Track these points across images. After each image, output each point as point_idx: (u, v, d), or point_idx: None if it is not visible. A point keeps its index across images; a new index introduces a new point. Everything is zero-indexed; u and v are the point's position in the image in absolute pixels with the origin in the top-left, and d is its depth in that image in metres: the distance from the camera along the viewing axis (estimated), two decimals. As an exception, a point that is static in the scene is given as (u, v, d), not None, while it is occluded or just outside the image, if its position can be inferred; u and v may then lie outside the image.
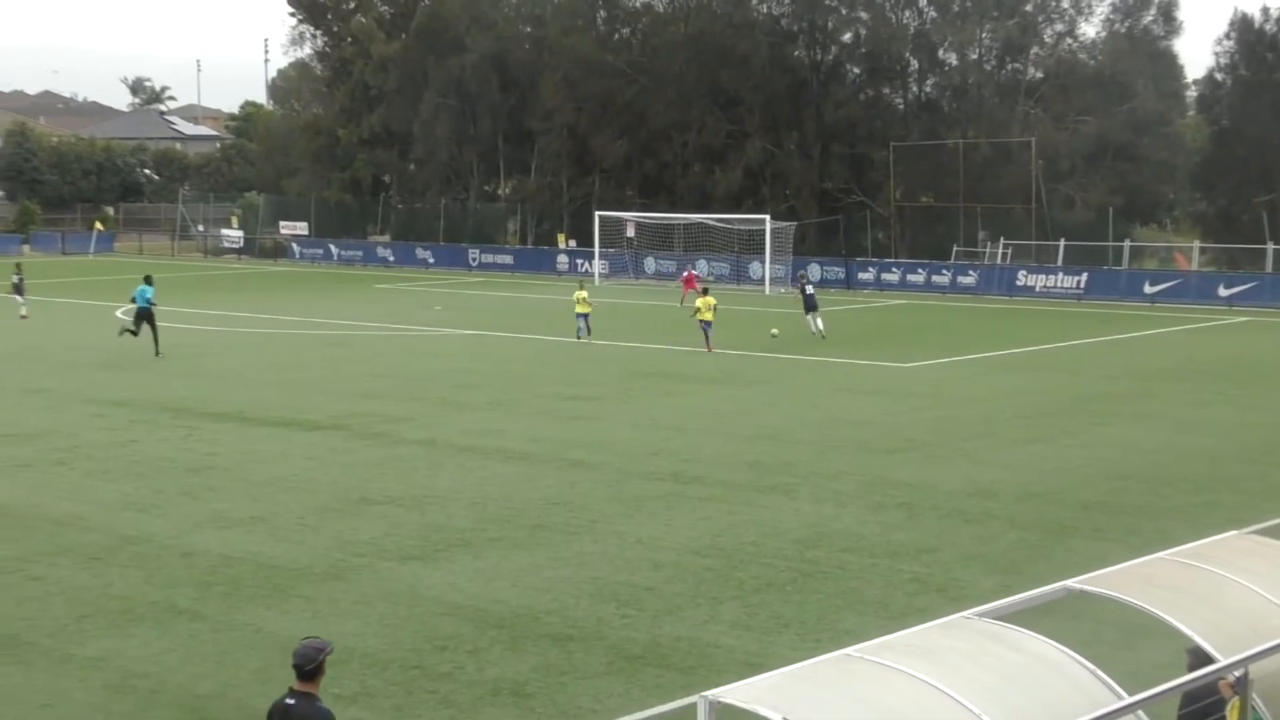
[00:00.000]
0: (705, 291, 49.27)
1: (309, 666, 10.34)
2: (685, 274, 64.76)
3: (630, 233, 79.02)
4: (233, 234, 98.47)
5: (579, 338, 48.23)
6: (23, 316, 54.54)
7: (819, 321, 49.47)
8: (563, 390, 37.20)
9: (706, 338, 46.03)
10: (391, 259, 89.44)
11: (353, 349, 46.30)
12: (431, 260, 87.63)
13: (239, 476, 26.79)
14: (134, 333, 44.00)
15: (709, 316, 46.41)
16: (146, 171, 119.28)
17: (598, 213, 77.84)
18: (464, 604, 18.79)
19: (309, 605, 18.79)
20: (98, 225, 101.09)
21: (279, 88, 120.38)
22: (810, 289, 50.67)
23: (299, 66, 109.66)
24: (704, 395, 36.91)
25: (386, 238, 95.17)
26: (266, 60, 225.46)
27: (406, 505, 24.39)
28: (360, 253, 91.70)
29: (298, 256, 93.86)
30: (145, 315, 43.99)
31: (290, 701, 10.32)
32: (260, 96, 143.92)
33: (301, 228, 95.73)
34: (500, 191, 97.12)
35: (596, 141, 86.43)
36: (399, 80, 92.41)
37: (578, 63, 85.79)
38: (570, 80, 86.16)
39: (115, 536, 22.32)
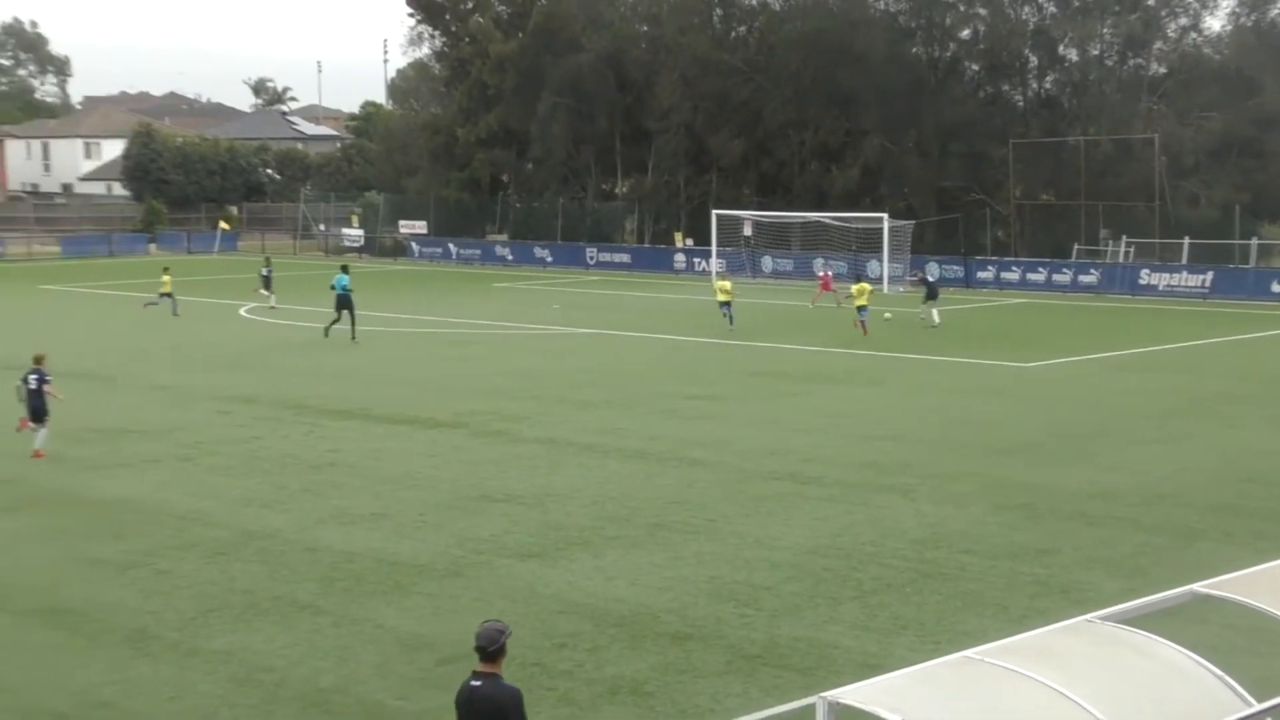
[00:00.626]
0: (859, 279, 53.65)
1: (492, 647, 10.50)
2: (822, 275, 64.59)
3: (747, 231, 78.84)
4: (353, 233, 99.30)
5: (730, 325, 50.12)
6: (272, 308, 57.72)
7: (935, 313, 49.93)
8: (681, 389, 37.21)
9: (862, 323, 48.99)
10: (510, 258, 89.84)
11: (472, 347, 46.61)
12: (549, 259, 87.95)
13: (361, 473, 27.08)
14: (336, 320, 47.36)
15: (864, 302, 49.52)
16: (269, 171, 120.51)
17: (715, 211, 77.72)
18: (583, 602, 18.87)
19: (429, 601, 18.96)
20: (222, 224, 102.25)
21: (398, 87, 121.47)
22: (932, 277, 51.57)
23: (418, 66, 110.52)
24: (823, 395, 36.77)
25: (504, 236, 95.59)
26: (386, 60, 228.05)
27: (526, 503, 24.53)
28: (479, 251, 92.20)
29: (417, 255, 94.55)
30: (344, 302, 47.26)
31: (476, 683, 10.49)
32: (380, 96, 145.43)
33: (421, 227, 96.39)
34: (617, 190, 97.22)
35: (713, 140, 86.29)
36: (516, 80, 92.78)
37: (694, 61, 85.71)
38: (687, 79, 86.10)
39: (240, 532, 22.66)
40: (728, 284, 52.07)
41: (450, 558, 21.07)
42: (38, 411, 28.55)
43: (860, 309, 49.28)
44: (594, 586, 19.58)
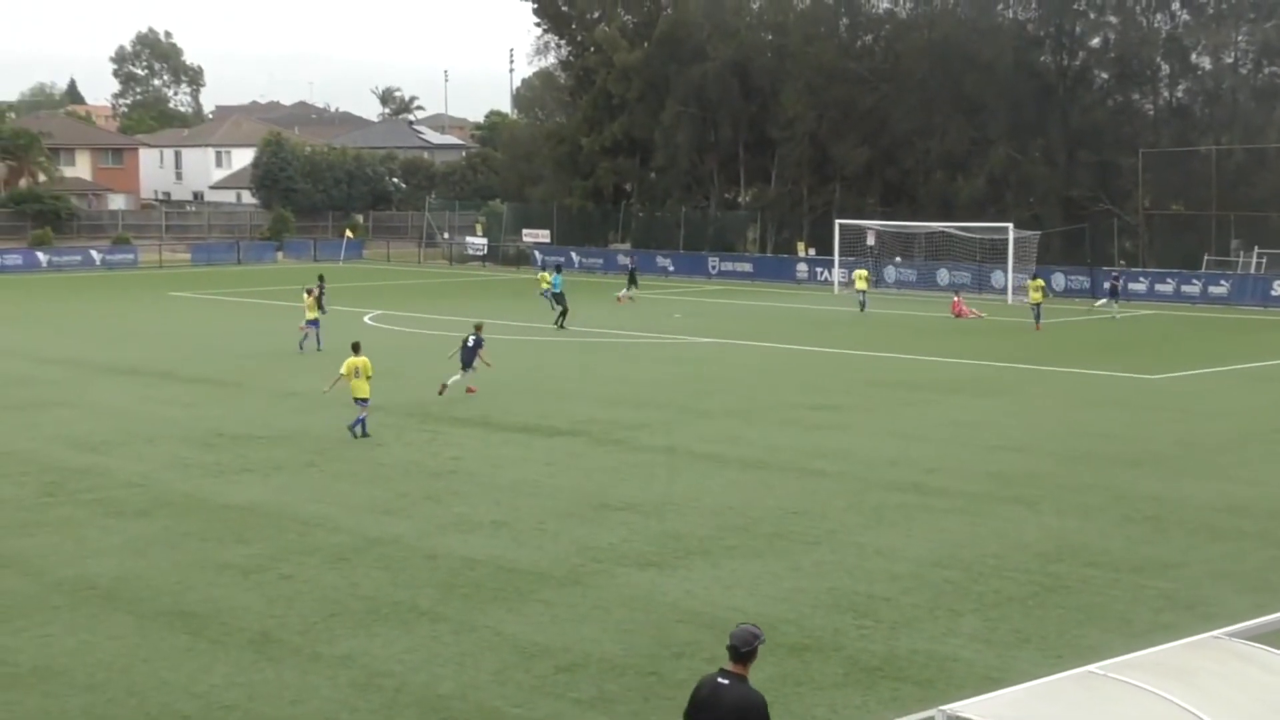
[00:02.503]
0: (1035, 276, 58.86)
1: (745, 649, 10.66)
2: (955, 300, 64.33)
3: (871, 241, 78.44)
4: (477, 241, 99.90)
5: (862, 310, 61.02)
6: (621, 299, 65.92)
7: (1116, 307, 59.53)
8: (802, 399, 37.08)
9: (1037, 318, 54.49)
10: (632, 267, 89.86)
11: (592, 355, 46.72)
12: (671, 268, 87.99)
13: (482, 481, 27.23)
14: (564, 312, 55.00)
15: (1038, 298, 55.02)
16: (395, 180, 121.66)
17: (838, 220, 77.40)
18: (701, 611, 18.83)
19: (548, 609, 19.01)
20: (348, 233, 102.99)
21: (523, 96, 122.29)
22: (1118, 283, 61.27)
23: (543, 75, 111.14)
24: (945, 404, 36.48)
25: (627, 245, 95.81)
26: (511, 70, 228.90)
27: (645, 512, 24.54)
28: (601, 260, 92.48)
29: (540, 264, 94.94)
30: (559, 298, 55.97)
31: (723, 681, 10.62)
32: (505, 105, 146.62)
33: (544, 235, 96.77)
34: (740, 199, 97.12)
35: (837, 149, 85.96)
36: (641, 88, 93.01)
37: (820, 70, 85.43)
38: (812, 87, 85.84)
39: (361, 538, 22.86)
40: (865, 272, 65.22)
41: (569, 566, 21.12)
42: (466, 362, 37.20)
43: (1035, 306, 54.62)
44: (712, 596, 19.54)
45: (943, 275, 74.84)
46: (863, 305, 62.43)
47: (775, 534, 22.96)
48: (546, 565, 21.14)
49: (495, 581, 20.32)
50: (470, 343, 37.45)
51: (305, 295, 49.35)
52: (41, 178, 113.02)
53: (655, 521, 23.86)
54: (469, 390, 37.30)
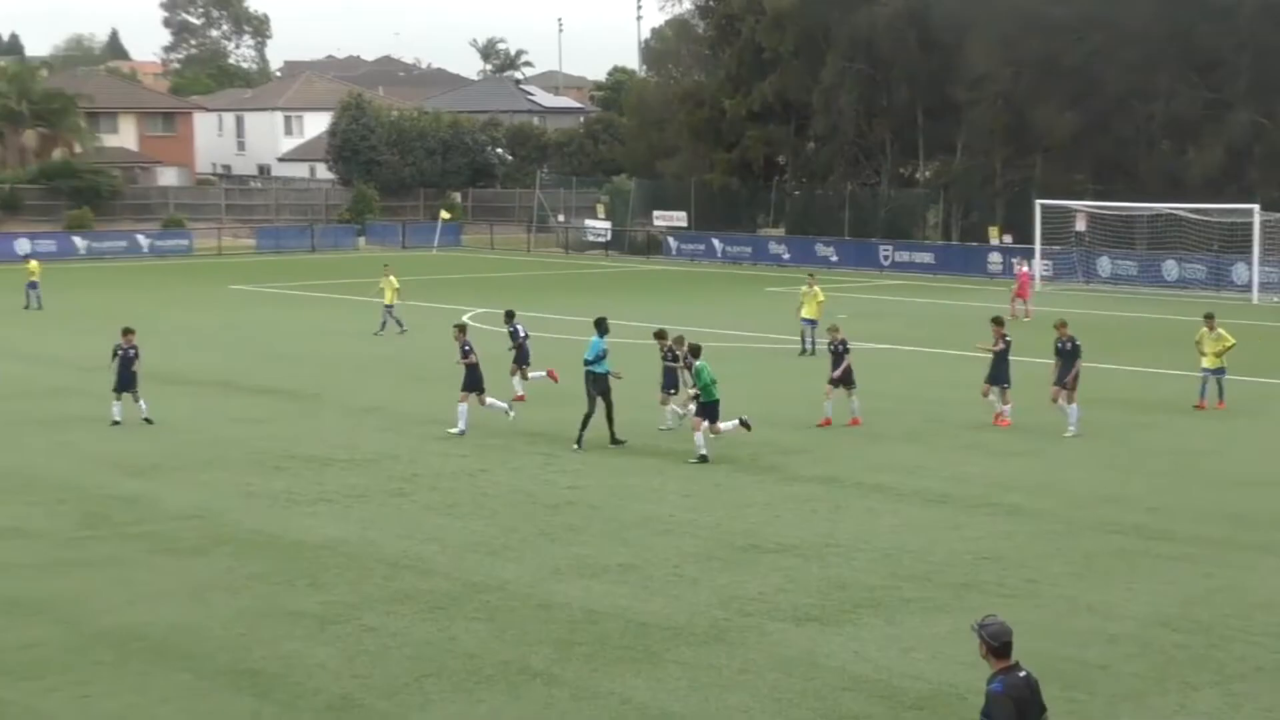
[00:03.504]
0: None
1: (1009, 638, 12.79)
2: (1019, 271, 63.79)
3: (1080, 226, 77.78)
4: (598, 225, 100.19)
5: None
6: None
7: None
8: (994, 418, 36.79)
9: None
10: (786, 256, 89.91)
11: (737, 364, 46.65)
12: (834, 258, 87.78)
13: (605, 515, 27.32)
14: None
15: None
16: (498, 151, 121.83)
17: (1039, 201, 76.83)
18: (872, 677, 18.77)
19: (685, 672, 19.03)
20: (443, 214, 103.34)
21: (653, 50, 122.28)
22: None
23: (677, 25, 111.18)
24: (1173, 429, 36.10)
25: (780, 231, 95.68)
26: (639, 18, 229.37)
27: (804, 555, 24.50)
28: (749, 249, 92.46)
29: (674, 253, 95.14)
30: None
31: (1022, 673, 12.76)
32: (631, 62, 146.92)
33: (679, 218, 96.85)
34: (918, 175, 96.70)
35: (1038, 114, 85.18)
36: (796, 40, 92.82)
37: (1015, 17, 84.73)
38: (1006, 39, 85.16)
39: (461, 583, 23.01)
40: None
41: (710, 619, 21.12)
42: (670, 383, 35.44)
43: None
44: (886, 659, 19.46)
45: (1170, 268, 73.92)
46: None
47: (963, 584, 22.84)
48: (683, 619, 21.15)
49: (622, 638, 20.36)
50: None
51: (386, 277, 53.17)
52: (78, 148, 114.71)
53: (816, 566, 23.81)
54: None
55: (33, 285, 63.50)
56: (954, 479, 30.23)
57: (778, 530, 26.12)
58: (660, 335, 36.11)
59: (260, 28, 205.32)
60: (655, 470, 31.13)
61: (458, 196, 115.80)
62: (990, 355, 36.53)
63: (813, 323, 48.95)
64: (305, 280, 76.95)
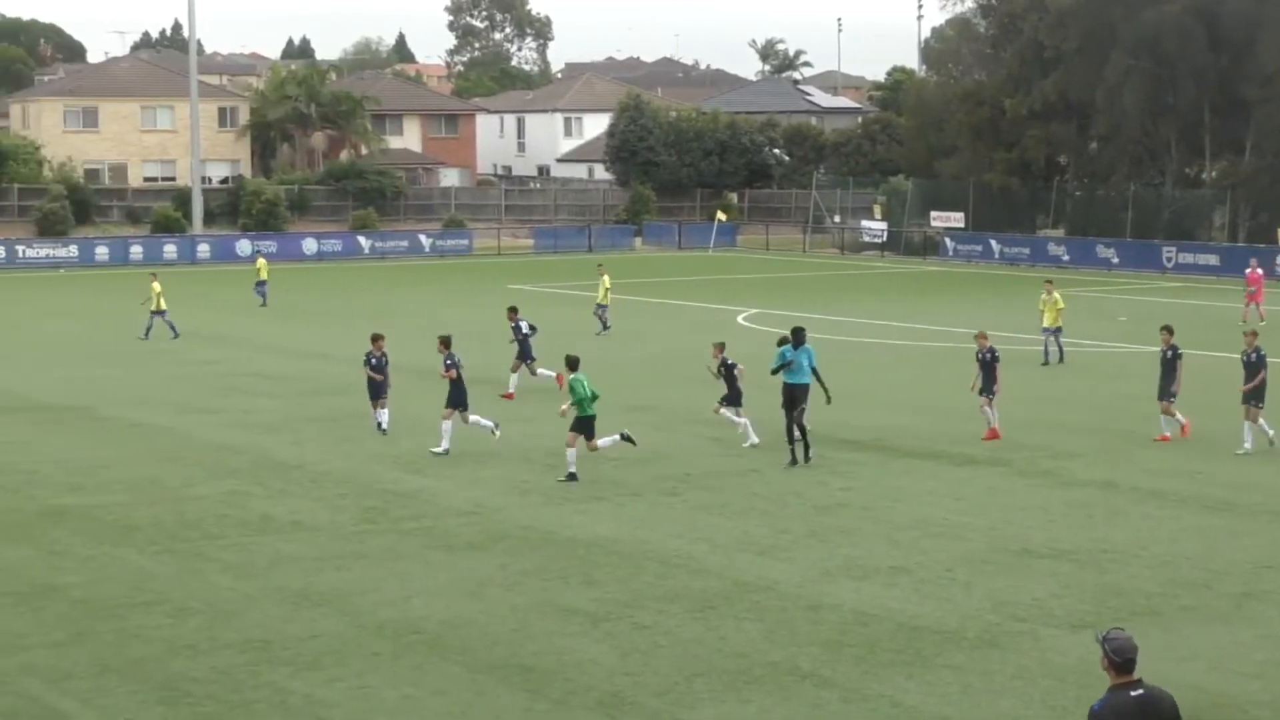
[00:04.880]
0: None
1: (1134, 654, 11.95)
2: (1250, 273, 61.68)
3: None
4: (874, 226, 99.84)
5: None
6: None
7: None
8: (1280, 425, 35.97)
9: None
10: (1065, 258, 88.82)
11: (1016, 367, 46.13)
12: (1115, 260, 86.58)
13: (877, 517, 27.25)
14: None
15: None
16: (776, 151, 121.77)
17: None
18: (1148, 687, 18.46)
19: (957, 676, 18.91)
20: (719, 215, 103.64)
21: (934, 50, 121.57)
22: None
23: (958, 24, 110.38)
24: None
25: (1060, 232, 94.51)
26: (920, 17, 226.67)
27: (1079, 561, 24.22)
28: (1027, 250, 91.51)
29: (951, 254, 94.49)
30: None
31: (1136, 693, 11.89)
32: (911, 61, 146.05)
33: (956, 219, 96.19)
34: (1204, 175, 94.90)
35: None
36: (1080, 38, 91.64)
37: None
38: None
39: (731, 582, 23.11)
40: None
41: (983, 624, 20.97)
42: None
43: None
44: (1164, 668, 19.07)
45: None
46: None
47: (1245, 594, 22.42)
48: (956, 623, 21.03)
49: (893, 641, 20.30)
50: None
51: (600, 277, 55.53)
52: (364, 150, 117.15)
53: (1091, 573, 23.53)
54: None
55: (261, 284, 65.11)
56: (1237, 485, 29.67)
57: (1052, 535, 25.85)
58: (720, 347, 35.13)
59: (542, 30, 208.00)
60: (929, 473, 30.97)
61: (734, 197, 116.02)
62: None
63: (1053, 331, 47.16)
64: (580, 280, 77.30)
